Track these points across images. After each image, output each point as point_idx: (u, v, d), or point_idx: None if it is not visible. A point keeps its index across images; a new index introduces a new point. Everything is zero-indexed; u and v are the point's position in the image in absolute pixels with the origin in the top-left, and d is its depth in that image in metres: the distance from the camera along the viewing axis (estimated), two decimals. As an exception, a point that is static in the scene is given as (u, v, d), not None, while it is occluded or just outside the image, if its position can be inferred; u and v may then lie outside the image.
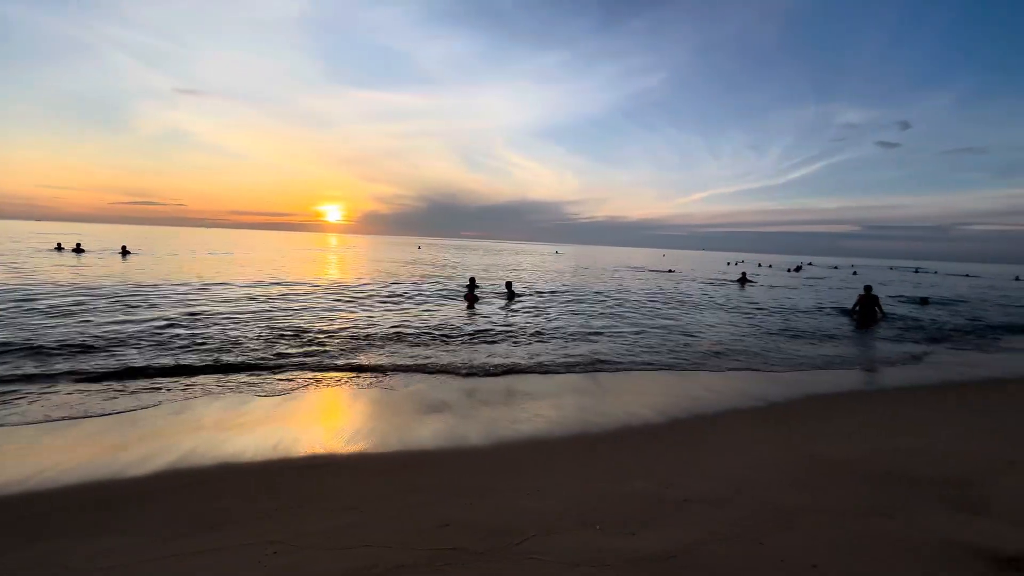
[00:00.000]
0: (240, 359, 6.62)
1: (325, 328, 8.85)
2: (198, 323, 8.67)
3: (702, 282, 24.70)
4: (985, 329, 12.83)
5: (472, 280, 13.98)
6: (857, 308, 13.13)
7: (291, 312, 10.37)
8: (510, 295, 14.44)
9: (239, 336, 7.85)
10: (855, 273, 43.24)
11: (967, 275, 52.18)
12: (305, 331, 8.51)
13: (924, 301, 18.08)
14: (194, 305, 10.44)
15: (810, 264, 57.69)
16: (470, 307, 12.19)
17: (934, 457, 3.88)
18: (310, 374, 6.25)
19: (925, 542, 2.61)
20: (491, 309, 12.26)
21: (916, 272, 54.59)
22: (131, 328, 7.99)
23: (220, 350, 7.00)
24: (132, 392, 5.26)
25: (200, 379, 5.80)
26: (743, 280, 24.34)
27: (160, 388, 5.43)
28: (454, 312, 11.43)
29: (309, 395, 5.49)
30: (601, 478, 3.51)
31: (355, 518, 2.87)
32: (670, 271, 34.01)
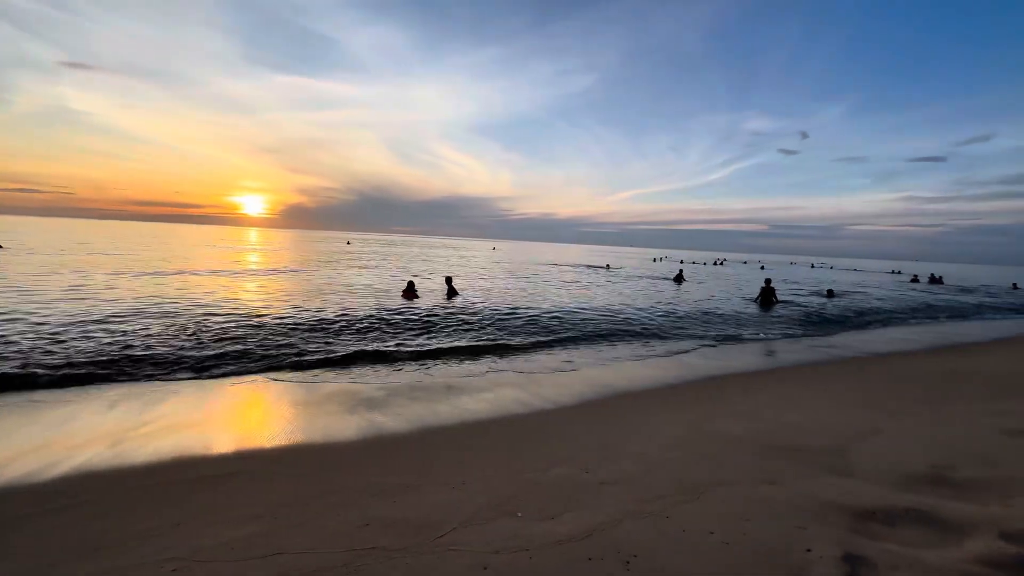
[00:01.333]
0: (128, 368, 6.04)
1: (233, 326, 8.27)
2: (72, 328, 7.75)
3: (646, 279, 25.69)
4: (863, 316, 14.66)
5: (411, 283, 13.48)
6: (759, 297, 16.34)
7: (185, 311, 9.57)
8: (450, 291, 14.30)
9: (131, 339, 7.13)
10: (763, 268, 47.87)
11: (855, 269, 59.64)
12: (207, 330, 7.90)
13: (830, 293, 20.39)
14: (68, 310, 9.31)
15: (724, 261, 62.76)
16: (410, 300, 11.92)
17: (814, 429, 4.39)
18: (216, 377, 5.83)
19: (803, 502, 2.96)
20: (429, 305, 12.10)
21: (812, 267, 61.24)
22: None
23: (107, 354, 6.33)
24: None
25: (90, 387, 5.22)
26: (679, 278, 24.63)
27: (39, 401, 4.81)
28: (391, 306, 11.14)
29: (217, 398, 5.12)
30: (524, 468, 3.61)
31: (266, 526, 2.74)
32: (607, 267, 35.30)
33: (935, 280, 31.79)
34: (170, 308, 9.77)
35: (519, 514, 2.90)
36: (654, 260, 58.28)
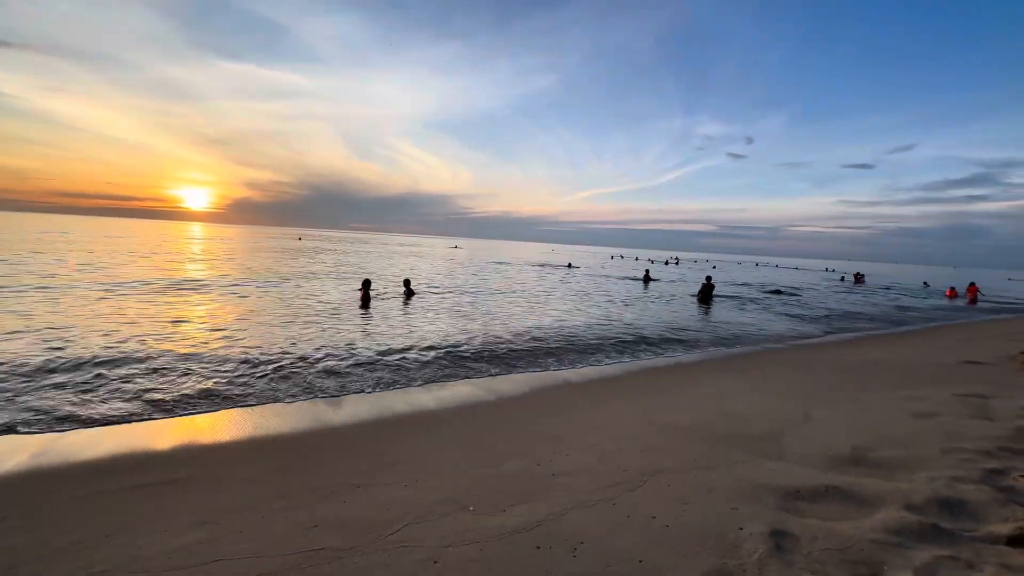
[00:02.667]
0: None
1: (162, 328, 7.83)
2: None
3: (616, 279, 25.80)
4: (803, 312, 15.69)
5: (367, 282, 13.04)
6: (700, 294, 17.86)
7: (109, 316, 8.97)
8: (408, 293, 14.10)
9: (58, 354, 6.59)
10: (714, 267, 50.37)
11: (796, 268, 63.89)
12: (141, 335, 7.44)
13: (777, 292, 21.98)
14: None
15: (678, 260, 65.44)
16: (364, 307, 11.56)
17: (752, 417, 4.68)
18: (152, 378, 5.51)
19: (739, 485, 3.17)
20: (387, 308, 11.87)
21: (756, 266, 65.14)
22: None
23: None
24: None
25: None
26: (647, 279, 24.48)
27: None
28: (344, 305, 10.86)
29: (154, 403, 4.84)
30: (478, 463, 3.65)
31: (207, 533, 2.64)
32: (569, 266, 35.73)
33: (859, 279, 34.36)
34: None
35: (471, 508, 2.93)
36: (611, 258, 61.19)
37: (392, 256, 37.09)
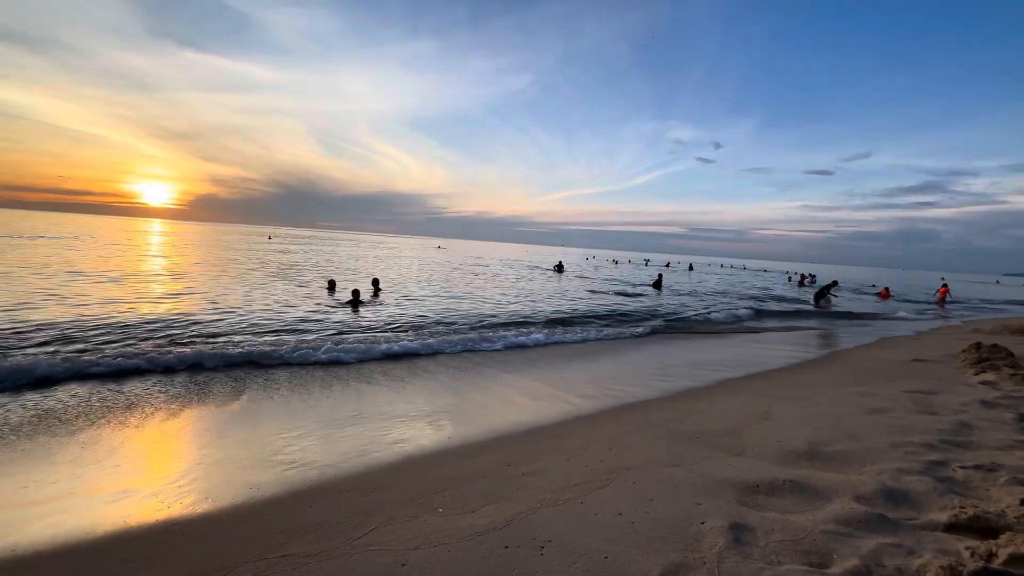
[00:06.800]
0: None
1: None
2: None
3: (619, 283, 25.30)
4: (758, 313, 16.26)
5: (356, 292, 12.43)
6: (656, 283, 22.65)
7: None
8: (375, 291, 14.00)
9: None
10: (691, 268, 51.80)
11: (764, 270, 66.02)
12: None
13: (756, 300, 22.56)
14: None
15: (648, 261, 66.81)
16: (355, 310, 11.19)
17: (716, 415, 4.84)
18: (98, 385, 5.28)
19: (701, 481, 3.27)
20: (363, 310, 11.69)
21: (721, 267, 67.26)
22: None
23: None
24: None
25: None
26: (659, 283, 23.58)
27: None
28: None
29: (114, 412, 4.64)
30: (450, 464, 3.65)
31: (175, 539, 2.55)
32: (558, 267, 35.04)
33: (804, 281, 35.72)
34: None
35: (440, 510, 2.93)
36: (586, 259, 61.93)
37: (385, 258, 36.37)
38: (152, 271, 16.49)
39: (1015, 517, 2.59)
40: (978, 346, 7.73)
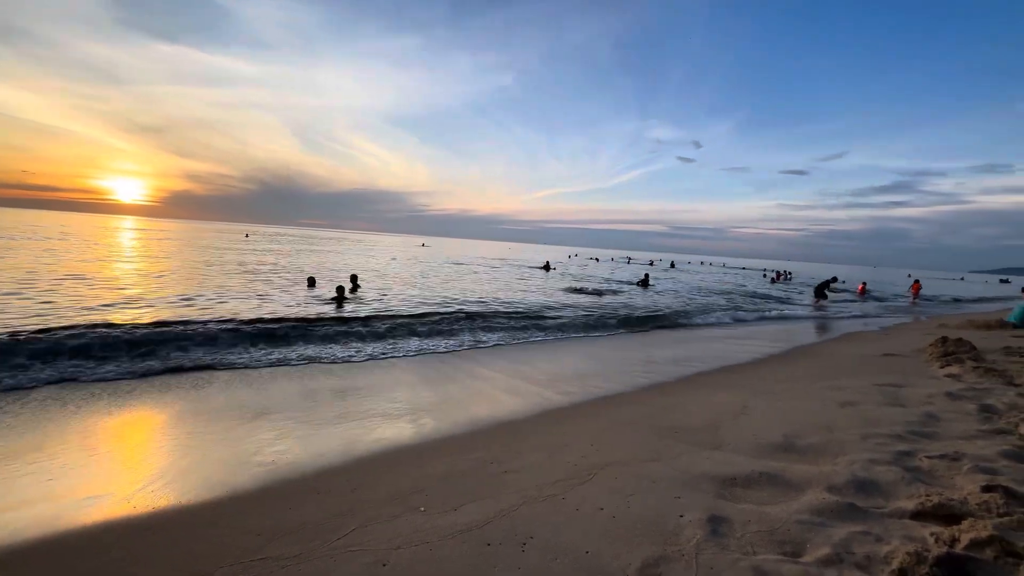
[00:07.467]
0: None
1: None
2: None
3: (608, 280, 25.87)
4: (738, 309, 16.60)
5: (340, 289, 12.44)
6: (642, 281, 23.03)
7: None
8: (354, 287, 13.92)
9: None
10: (672, 265, 52.54)
11: (744, 268, 67.49)
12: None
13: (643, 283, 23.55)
14: None
15: (631, 259, 67.56)
16: (339, 307, 11.11)
17: (694, 410, 4.93)
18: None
19: (680, 475, 3.33)
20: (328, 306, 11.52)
21: (702, 264, 68.52)
22: None
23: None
24: None
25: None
26: (645, 281, 24.24)
27: None
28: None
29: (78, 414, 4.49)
30: (432, 462, 3.64)
31: (146, 545, 2.48)
32: (545, 266, 34.89)
33: (778, 277, 36.58)
34: None
35: (422, 508, 2.92)
36: (568, 257, 62.37)
37: (369, 255, 35.90)
38: (127, 270, 15.99)
39: (976, 504, 2.71)
40: (944, 340, 8.03)
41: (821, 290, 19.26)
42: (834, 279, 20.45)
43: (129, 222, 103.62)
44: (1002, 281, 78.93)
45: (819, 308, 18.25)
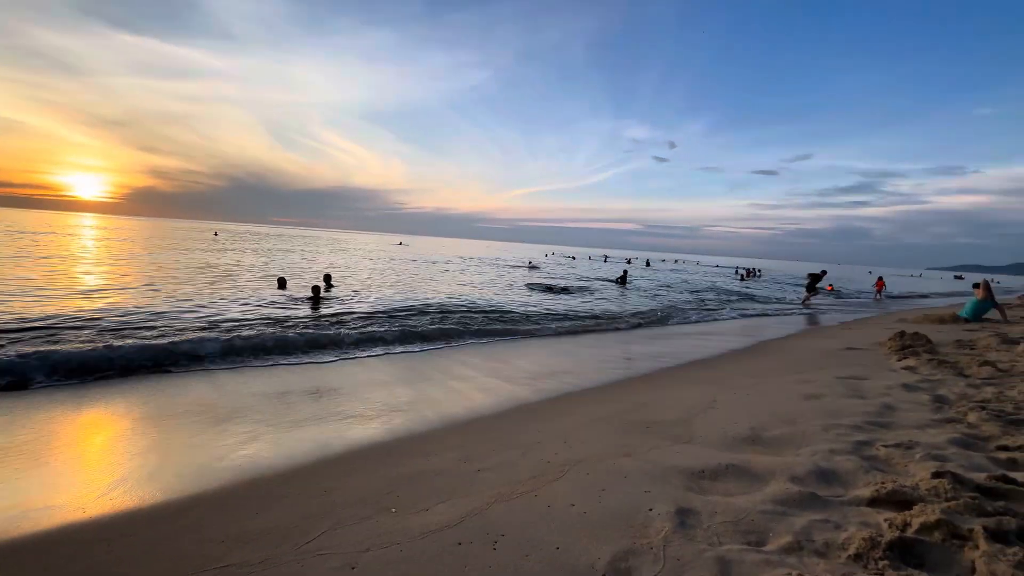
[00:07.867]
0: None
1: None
2: None
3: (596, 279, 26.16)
4: (714, 308, 17.01)
5: (316, 289, 12.13)
6: (620, 278, 24.17)
7: None
8: (327, 287, 13.75)
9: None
10: (648, 264, 53.45)
11: (717, 265, 69.19)
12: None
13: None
14: None
15: (607, 257, 68.40)
16: (315, 308, 10.79)
17: (666, 406, 5.02)
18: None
19: (651, 469, 3.38)
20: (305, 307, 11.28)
21: (676, 262, 69.98)
22: None
23: None
24: None
25: None
26: (623, 279, 24.74)
27: None
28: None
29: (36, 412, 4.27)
30: (403, 462, 3.60)
31: (102, 556, 2.37)
32: (530, 264, 34.99)
33: (747, 274, 37.83)
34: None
35: (393, 510, 2.89)
36: (545, 255, 62.73)
37: (341, 253, 35.21)
38: (87, 267, 15.27)
39: (927, 490, 2.84)
40: (902, 334, 8.40)
41: (813, 285, 19.32)
42: (823, 272, 20.47)
43: (89, 219, 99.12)
44: (956, 277, 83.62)
45: (808, 306, 18.57)
